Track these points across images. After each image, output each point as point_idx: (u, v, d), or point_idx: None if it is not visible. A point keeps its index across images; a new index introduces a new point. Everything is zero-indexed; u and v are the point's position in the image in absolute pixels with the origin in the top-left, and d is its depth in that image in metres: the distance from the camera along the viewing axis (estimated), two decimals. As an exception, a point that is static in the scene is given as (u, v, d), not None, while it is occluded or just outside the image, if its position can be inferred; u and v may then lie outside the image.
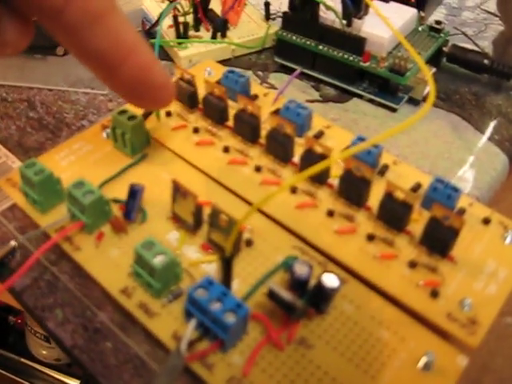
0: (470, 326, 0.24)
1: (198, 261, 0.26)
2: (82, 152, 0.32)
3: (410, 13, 0.41)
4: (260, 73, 0.42)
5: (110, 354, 0.25)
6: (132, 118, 0.30)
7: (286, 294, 0.23)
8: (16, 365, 0.83)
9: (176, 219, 0.28)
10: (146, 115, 0.33)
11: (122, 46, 0.20)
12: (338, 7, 0.38)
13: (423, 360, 0.23)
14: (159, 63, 0.22)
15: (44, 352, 0.79)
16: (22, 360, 0.84)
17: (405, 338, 0.24)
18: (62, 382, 0.81)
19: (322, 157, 0.28)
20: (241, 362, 0.23)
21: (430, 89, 0.24)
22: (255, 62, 0.44)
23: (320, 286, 0.23)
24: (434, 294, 0.25)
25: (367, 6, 0.37)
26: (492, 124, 0.39)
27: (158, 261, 0.24)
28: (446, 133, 0.37)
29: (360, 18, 0.38)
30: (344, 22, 0.38)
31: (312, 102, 0.40)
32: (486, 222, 0.28)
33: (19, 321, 0.84)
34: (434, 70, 0.41)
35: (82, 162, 0.31)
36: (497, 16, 0.52)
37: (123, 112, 0.31)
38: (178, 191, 0.26)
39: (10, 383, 0.82)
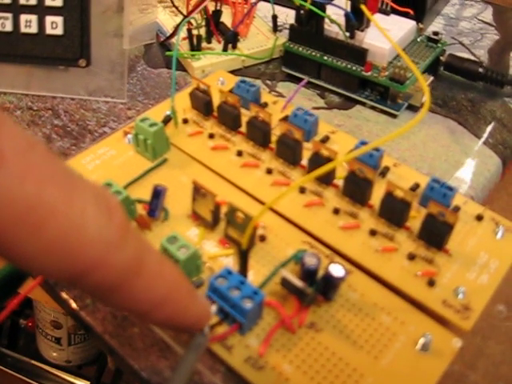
0: (463, 312, 0.26)
1: (216, 254, 0.29)
2: (106, 156, 0.35)
3: (409, 24, 0.43)
4: (268, 82, 0.45)
5: (137, 338, 0.27)
6: (153, 125, 0.33)
7: (298, 281, 0.25)
8: (27, 367, 0.85)
9: (195, 217, 0.30)
10: (165, 122, 0.35)
11: (148, 303, 0.19)
12: (342, 20, 0.41)
13: (421, 342, 0.25)
14: (196, 300, 0.21)
15: (54, 354, 0.80)
16: (33, 362, 0.86)
17: (404, 323, 0.26)
18: (72, 383, 0.83)
19: (328, 159, 0.31)
20: (257, 344, 0.25)
21: (425, 97, 0.26)
22: (264, 72, 0.46)
23: (328, 275, 0.25)
24: (431, 283, 0.27)
25: (369, 20, 0.40)
26: (487, 129, 0.41)
27: (181, 253, 0.26)
28: (444, 137, 0.40)
29: (362, 31, 0.41)
30: (347, 34, 0.41)
31: (318, 109, 0.42)
32: (479, 218, 0.31)
33: (30, 324, 0.86)
34: (431, 78, 0.44)
35: (106, 165, 0.34)
36: (492, 26, 0.54)
37: (145, 119, 0.33)
38: (198, 191, 0.29)
39: (22, 385, 0.84)
